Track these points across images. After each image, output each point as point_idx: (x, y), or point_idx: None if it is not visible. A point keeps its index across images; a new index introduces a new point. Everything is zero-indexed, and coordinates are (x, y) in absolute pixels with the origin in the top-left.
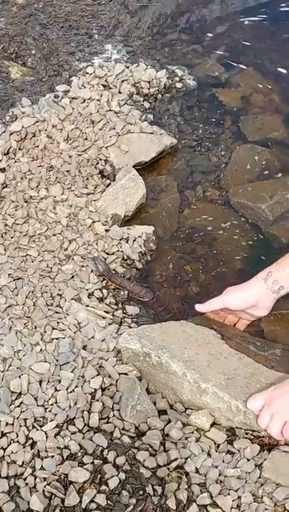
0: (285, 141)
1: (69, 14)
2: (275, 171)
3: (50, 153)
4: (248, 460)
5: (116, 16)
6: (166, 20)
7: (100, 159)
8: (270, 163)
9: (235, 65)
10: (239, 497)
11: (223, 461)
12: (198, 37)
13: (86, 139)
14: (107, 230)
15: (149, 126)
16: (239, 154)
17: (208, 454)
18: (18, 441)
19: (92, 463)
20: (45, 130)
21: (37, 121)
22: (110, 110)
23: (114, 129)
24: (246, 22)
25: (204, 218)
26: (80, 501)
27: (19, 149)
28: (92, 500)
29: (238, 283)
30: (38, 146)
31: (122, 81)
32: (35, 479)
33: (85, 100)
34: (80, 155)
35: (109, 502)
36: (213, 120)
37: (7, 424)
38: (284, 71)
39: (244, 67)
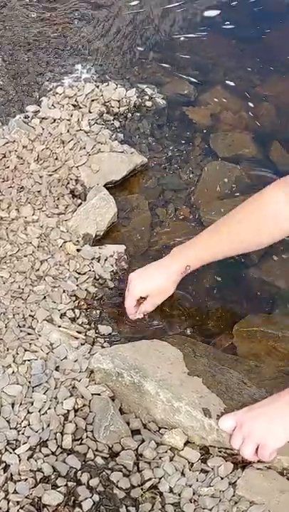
0: (255, 158)
1: (38, 34)
2: (245, 188)
3: (20, 174)
4: (222, 478)
5: (86, 35)
6: (135, 39)
7: (71, 179)
8: (241, 180)
9: (204, 83)
10: None
11: (197, 480)
12: (168, 55)
13: (56, 158)
14: (78, 250)
15: (119, 145)
16: (209, 172)
17: (182, 473)
18: None
19: (66, 485)
20: (16, 151)
21: (7, 142)
22: (80, 130)
23: (84, 148)
24: (215, 40)
25: (176, 237)
26: None
27: None
28: None
29: (209, 302)
30: (8, 167)
31: (92, 100)
32: (8, 503)
33: (55, 120)
34: (50, 175)
35: None
36: (184, 138)
37: None
38: (252, 89)
39: (213, 85)
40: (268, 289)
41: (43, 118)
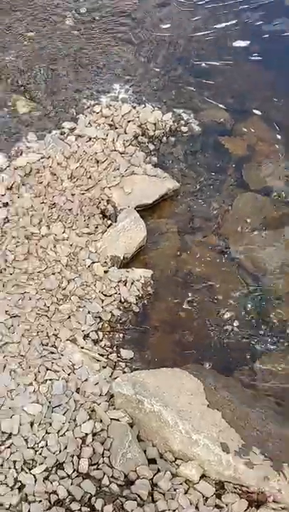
0: (287, 191)
1: (79, 51)
2: (275, 221)
3: (53, 191)
4: None
5: (125, 56)
6: (175, 63)
7: (103, 199)
8: (271, 213)
9: (240, 111)
10: None
11: None
12: (206, 81)
13: (90, 177)
14: (106, 272)
15: (152, 168)
16: (240, 202)
17: (197, 507)
18: (6, 484)
19: (80, 510)
20: (50, 167)
21: (42, 158)
22: (115, 150)
23: (118, 169)
24: (253, 69)
25: (202, 264)
26: None
27: (23, 185)
28: None
29: (230, 335)
30: (41, 183)
31: (128, 121)
32: None
33: (90, 139)
34: (83, 194)
35: None
36: (217, 167)
37: None
38: (287, 120)
39: (249, 114)
40: None
41: (78, 135)
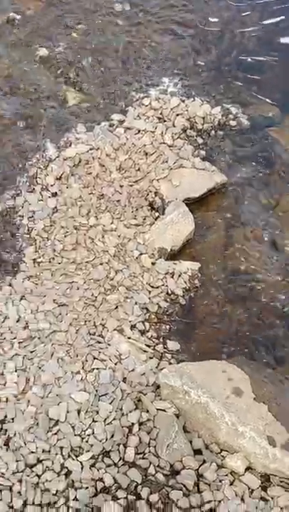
0: None
1: (128, 44)
2: None
3: (102, 182)
4: (282, 509)
5: (174, 49)
6: (224, 58)
7: (151, 191)
8: None
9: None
10: None
11: (256, 508)
12: (254, 77)
13: (138, 169)
14: (153, 263)
15: (201, 162)
16: (288, 198)
17: (242, 499)
18: (53, 470)
19: (126, 498)
20: (99, 158)
21: (91, 149)
22: (164, 143)
23: (166, 162)
24: None
25: (249, 259)
26: None
27: (72, 175)
28: None
29: (276, 327)
30: (90, 174)
31: (177, 115)
32: (68, 510)
33: (139, 131)
34: (131, 185)
35: None
36: (265, 161)
37: (43, 451)
38: None
39: None
40: None
41: (127, 128)
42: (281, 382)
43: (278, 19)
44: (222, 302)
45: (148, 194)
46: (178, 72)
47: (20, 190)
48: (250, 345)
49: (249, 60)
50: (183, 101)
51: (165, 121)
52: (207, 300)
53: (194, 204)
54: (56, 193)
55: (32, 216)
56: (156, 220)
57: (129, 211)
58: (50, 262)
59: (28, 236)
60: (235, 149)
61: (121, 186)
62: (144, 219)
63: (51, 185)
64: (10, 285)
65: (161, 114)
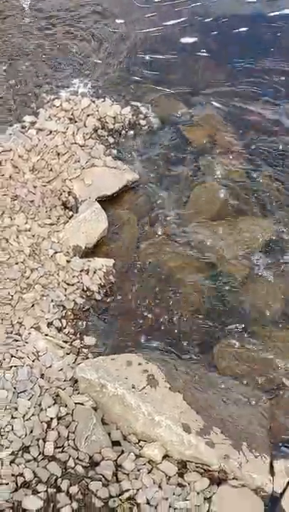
0: (243, 182)
1: (38, 46)
2: (232, 211)
3: (15, 183)
4: (198, 493)
5: (83, 51)
6: (132, 58)
7: (64, 191)
8: (228, 202)
9: (198, 105)
10: None
11: (174, 494)
12: (163, 76)
13: (51, 170)
14: (68, 261)
15: (112, 160)
16: (199, 193)
17: (160, 486)
18: None
19: (46, 491)
20: (11, 160)
21: (3, 151)
22: (75, 143)
23: (78, 161)
24: (211, 62)
25: (163, 253)
26: None
27: None
28: None
29: (192, 320)
30: (3, 175)
31: (88, 115)
32: None
33: (51, 132)
34: (44, 186)
35: None
36: (176, 158)
37: None
38: (247, 116)
39: (207, 108)
40: (249, 309)
41: (39, 129)
42: (197, 371)
43: (181, 20)
44: (137, 297)
45: (61, 194)
46: (87, 73)
47: None
48: (165, 338)
49: (154, 58)
50: (93, 101)
51: (76, 121)
52: (122, 295)
53: (107, 202)
54: None
55: None
56: (70, 218)
57: (43, 211)
58: None
59: None
60: (146, 148)
61: (34, 187)
62: (58, 218)
63: None
64: None
65: (72, 114)
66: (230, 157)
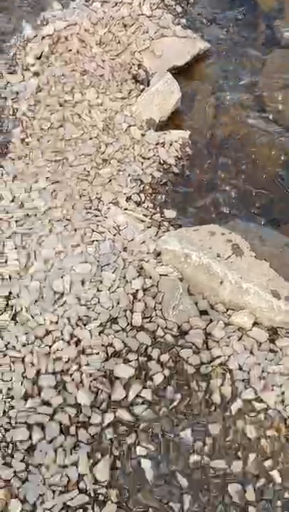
0: None
1: None
2: None
3: (83, 58)
4: None
5: None
6: None
7: (134, 64)
8: None
9: None
10: (283, 392)
11: (266, 359)
12: None
13: (119, 42)
14: (143, 135)
15: (182, 30)
16: (274, 59)
17: (251, 352)
18: (62, 339)
19: (137, 360)
20: (78, 34)
21: (69, 25)
22: (142, 14)
23: (147, 32)
24: None
25: (238, 124)
26: (126, 396)
27: (52, 53)
28: (138, 395)
29: (270, 189)
30: (70, 50)
31: None
32: (81, 375)
33: (116, 4)
34: (113, 59)
35: (154, 397)
36: (247, 24)
37: (51, 322)
38: None
39: None
40: None
41: (104, 1)
42: (280, 238)
43: None
44: (215, 169)
45: (131, 67)
46: None
47: (0, 73)
48: (246, 209)
49: None
50: None
51: None
52: (200, 167)
53: (180, 73)
54: (38, 72)
55: (15, 97)
56: (141, 92)
57: (113, 85)
58: (38, 140)
59: (14, 117)
60: (216, 15)
61: (103, 61)
62: (130, 92)
63: (32, 65)
64: (1, 166)
65: None
66: None
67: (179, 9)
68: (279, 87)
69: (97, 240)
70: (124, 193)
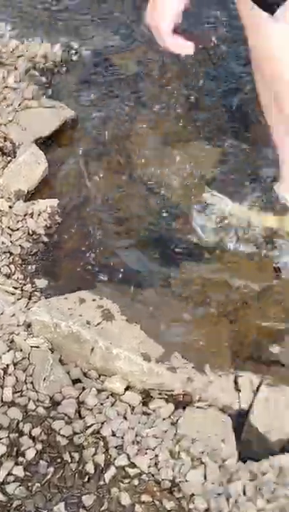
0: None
1: None
2: (177, 141)
3: None
4: (164, 419)
5: None
6: None
7: (0, 137)
8: (172, 130)
9: (129, 37)
10: (156, 455)
11: (139, 423)
12: (89, 8)
13: None
14: (10, 207)
15: (47, 100)
16: (141, 123)
17: (124, 417)
18: None
19: (8, 437)
20: None
21: None
22: (7, 87)
23: (11, 105)
24: None
25: (109, 188)
26: None
27: None
28: (9, 473)
29: (145, 253)
30: None
31: (18, 57)
32: None
33: None
34: None
35: (27, 473)
36: (110, 89)
37: None
38: None
39: (139, 38)
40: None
41: None
42: (153, 299)
43: None
44: (85, 234)
45: None
46: (15, 14)
47: None
48: (116, 272)
49: None
50: (22, 42)
51: (6, 64)
52: (70, 234)
53: (47, 143)
54: None
55: None
56: (8, 164)
57: None
58: None
59: None
60: (81, 84)
61: None
62: None
63: None
64: None
65: (0, 57)
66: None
67: (44, 80)
68: (147, 150)
69: None
70: None
